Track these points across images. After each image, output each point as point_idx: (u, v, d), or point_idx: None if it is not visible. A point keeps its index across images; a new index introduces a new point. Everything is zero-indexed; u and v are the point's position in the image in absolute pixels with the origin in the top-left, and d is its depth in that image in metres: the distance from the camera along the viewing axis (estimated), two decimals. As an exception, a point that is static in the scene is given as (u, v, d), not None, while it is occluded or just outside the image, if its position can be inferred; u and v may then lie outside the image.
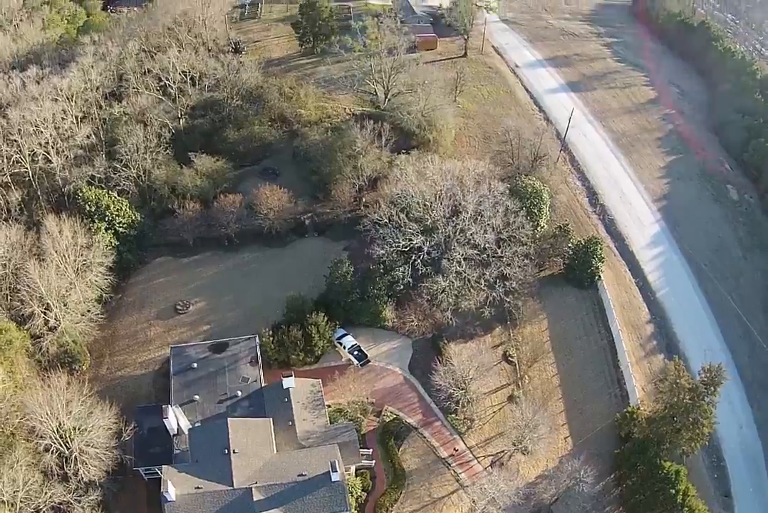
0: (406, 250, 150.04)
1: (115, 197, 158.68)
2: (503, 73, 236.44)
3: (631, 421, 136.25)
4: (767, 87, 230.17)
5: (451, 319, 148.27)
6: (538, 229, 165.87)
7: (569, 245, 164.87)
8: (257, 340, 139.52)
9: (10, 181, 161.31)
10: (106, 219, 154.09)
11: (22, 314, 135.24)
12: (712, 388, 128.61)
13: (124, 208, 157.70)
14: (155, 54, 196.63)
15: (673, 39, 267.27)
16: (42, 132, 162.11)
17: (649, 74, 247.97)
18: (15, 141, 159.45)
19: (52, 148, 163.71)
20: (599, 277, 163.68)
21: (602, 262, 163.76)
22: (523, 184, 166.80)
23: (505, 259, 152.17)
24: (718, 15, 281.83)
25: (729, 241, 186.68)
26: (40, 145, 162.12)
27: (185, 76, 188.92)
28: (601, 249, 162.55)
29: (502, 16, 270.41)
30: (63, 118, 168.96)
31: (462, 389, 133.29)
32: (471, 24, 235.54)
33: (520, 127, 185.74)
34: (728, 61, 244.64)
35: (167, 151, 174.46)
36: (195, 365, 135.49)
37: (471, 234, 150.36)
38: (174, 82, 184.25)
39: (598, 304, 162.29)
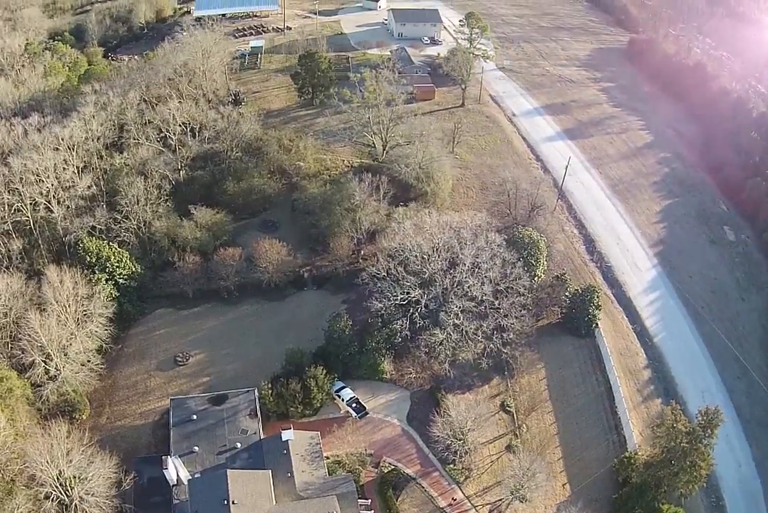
0: (404, 303, 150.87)
1: (116, 248, 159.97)
2: (500, 123, 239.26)
3: (629, 466, 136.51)
4: (763, 125, 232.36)
5: (448, 370, 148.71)
6: (536, 279, 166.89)
7: (566, 294, 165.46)
8: (256, 393, 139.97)
9: (11, 229, 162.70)
10: (107, 270, 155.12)
11: (23, 363, 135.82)
12: (709, 431, 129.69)
13: (124, 260, 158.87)
14: (156, 104, 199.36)
15: (669, 80, 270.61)
16: (43, 181, 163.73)
17: (645, 118, 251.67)
18: (16, 189, 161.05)
19: (54, 197, 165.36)
20: (596, 324, 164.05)
21: (599, 310, 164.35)
22: (521, 235, 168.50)
23: (502, 310, 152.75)
24: (713, 54, 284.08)
25: (726, 282, 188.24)
26: (42, 194, 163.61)
27: (185, 127, 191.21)
28: (598, 297, 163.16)
29: (499, 64, 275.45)
30: (64, 168, 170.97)
31: (460, 440, 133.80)
32: (468, 73, 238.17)
33: (517, 178, 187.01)
34: (724, 100, 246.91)
35: (167, 202, 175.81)
36: (194, 417, 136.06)
37: (468, 286, 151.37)
38: (174, 133, 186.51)
39: (595, 351, 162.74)
